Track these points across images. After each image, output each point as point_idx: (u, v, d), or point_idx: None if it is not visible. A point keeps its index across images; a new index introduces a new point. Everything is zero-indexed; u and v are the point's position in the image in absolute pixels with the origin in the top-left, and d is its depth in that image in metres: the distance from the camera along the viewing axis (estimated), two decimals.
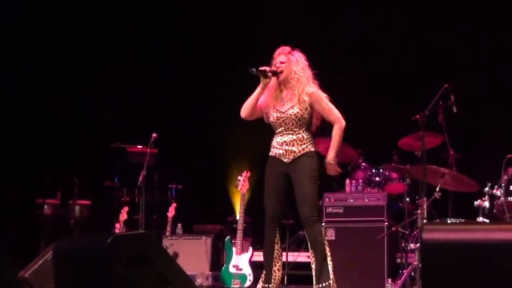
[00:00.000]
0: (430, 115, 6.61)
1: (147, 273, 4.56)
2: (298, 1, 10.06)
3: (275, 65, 5.83)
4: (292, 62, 5.80)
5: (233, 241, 7.69)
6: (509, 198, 6.67)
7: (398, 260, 7.53)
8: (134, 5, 10.53)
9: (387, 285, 6.99)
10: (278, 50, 5.88)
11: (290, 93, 5.82)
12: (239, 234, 7.57)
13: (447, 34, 9.29)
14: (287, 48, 5.86)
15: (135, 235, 4.97)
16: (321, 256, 5.67)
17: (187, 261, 7.71)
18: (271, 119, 5.85)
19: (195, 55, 10.50)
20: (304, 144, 5.76)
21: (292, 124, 5.77)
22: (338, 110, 5.83)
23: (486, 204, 6.43)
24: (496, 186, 6.69)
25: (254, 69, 5.76)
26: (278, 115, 5.80)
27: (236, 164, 10.14)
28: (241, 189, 7.55)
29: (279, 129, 5.82)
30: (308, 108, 5.76)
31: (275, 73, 5.80)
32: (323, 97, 5.79)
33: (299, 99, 5.76)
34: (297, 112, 5.74)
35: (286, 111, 5.78)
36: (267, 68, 5.79)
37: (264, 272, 5.86)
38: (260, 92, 5.83)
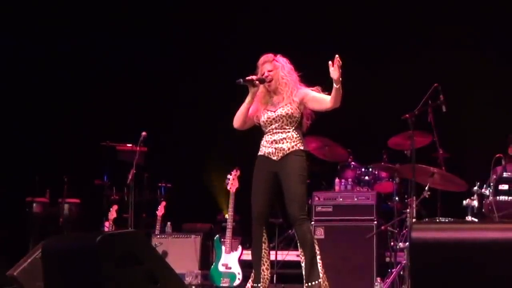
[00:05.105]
0: (420, 114, 6.62)
1: (136, 271, 4.55)
2: (291, 4, 10.05)
3: (262, 74, 5.84)
4: (278, 68, 5.83)
5: (222, 239, 7.69)
6: (497, 198, 6.69)
7: (387, 259, 7.55)
8: (124, 4, 10.51)
9: (376, 284, 7.00)
10: (263, 59, 5.88)
11: (280, 97, 5.84)
12: (228, 233, 7.57)
13: (437, 33, 9.31)
14: (270, 56, 5.87)
15: (124, 234, 4.96)
16: (310, 255, 5.67)
17: (176, 260, 7.68)
18: (262, 119, 5.85)
19: (185, 53, 10.49)
20: (293, 142, 5.76)
21: (283, 122, 5.77)
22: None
23: (475, 203, 6.44)
24: (485, 186, 6.71)
25: (241, 80, 5.77)
26: (270, 114, 5.81)
27: (225, 162, 10.14)
28: (230, 188, 7.55)
29: (270, 127, 5.82)
30: (299, 108, 5.78)
31: (263, 81, 5.82)
32: (311, 90, 5.80)
33: (289, 101, 5.77)
34: (288, 110, 5.75)
35: (276, 110, 5.80)
36: (254, 77, 5.80)
37: (253, 271, 5.86)
38: (250, 101, 5.84)
